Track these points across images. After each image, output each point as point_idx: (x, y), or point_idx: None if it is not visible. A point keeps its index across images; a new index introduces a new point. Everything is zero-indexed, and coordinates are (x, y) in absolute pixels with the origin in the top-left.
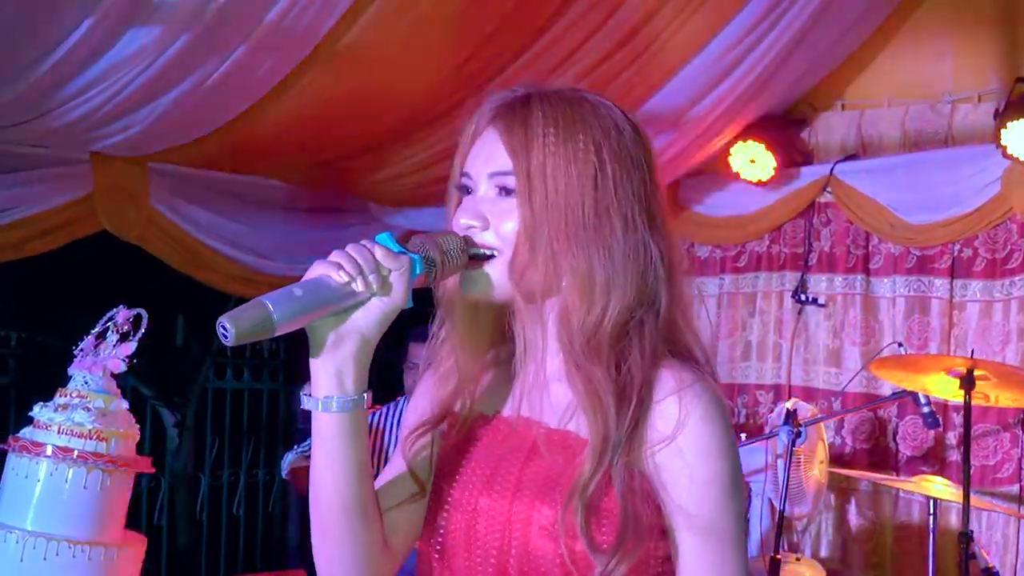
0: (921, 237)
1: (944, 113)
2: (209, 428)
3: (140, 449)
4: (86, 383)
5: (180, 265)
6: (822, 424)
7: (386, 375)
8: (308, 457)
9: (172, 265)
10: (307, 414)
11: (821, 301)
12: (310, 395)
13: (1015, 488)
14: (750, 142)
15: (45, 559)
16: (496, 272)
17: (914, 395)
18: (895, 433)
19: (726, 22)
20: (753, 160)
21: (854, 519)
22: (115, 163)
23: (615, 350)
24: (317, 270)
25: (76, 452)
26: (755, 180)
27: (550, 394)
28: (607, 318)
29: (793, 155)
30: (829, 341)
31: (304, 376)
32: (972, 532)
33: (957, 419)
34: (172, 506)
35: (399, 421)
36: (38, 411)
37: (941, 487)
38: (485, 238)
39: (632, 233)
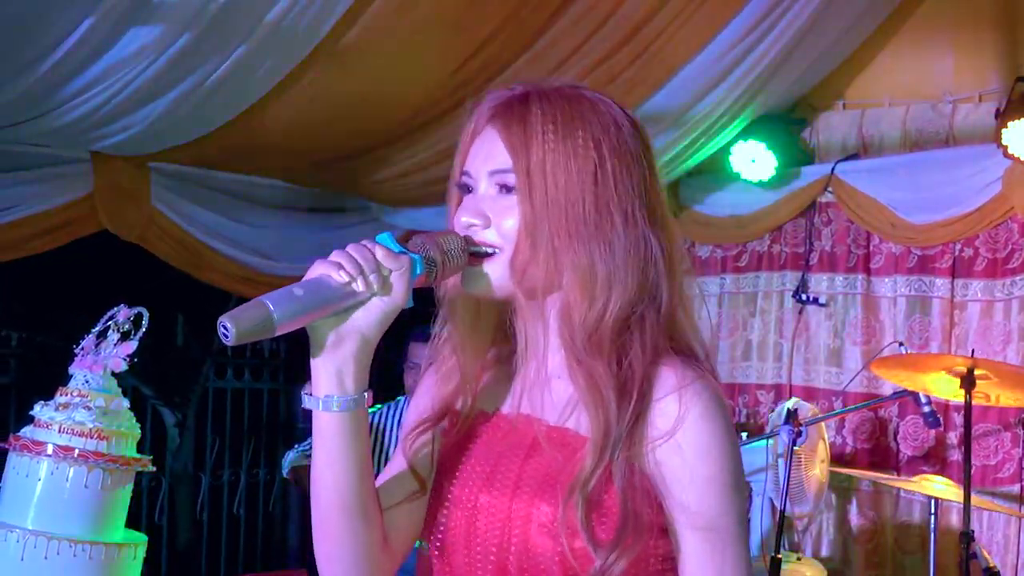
0: (922, 237)
1: (945, 113)
2: (209, 428)
3: (140, 448)
4: (87, 382)
5: (181, 265)
6: (823, 424)
7: (386, 375)
8: (309, 456)
9: (173, 265)
10: (308, 413)
11: (822, 301)
12: (311, 394)
13: (1016, 488)
14: (751, 141)
15: (46, 558)
16: (497, 269)
17: (915, 395)
18: (896, 433)
19: (727, 21)
20: (754, 160)
21: (855, 519)
22: (116, 163)
23: (616, 345)
24: (317, 270)
25: (77, 451)
26: (756, 180)
27: (551, 391)
28: (608, 313)
29: (794, 155)
30: (830, 341)
31: (304, 376)
32: (973, 532)
33: (958, 419)
34: (172, 506)
35: (400, 420)
36: (39, 410)
37: (942, 487)
38: (486, 236)
39: (632, 228)
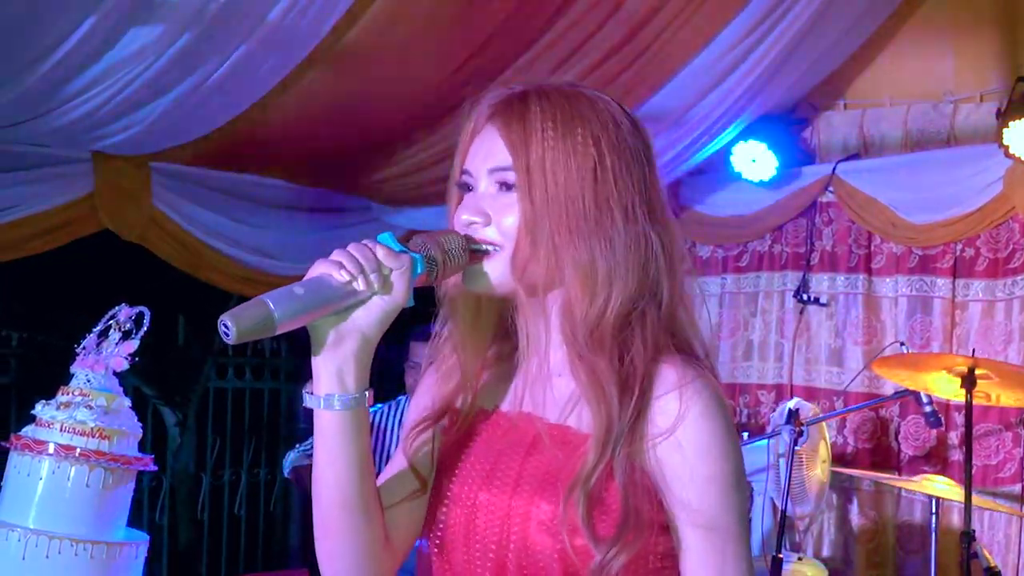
0: (923, 237)
1: (946, 113)
2: (210, 428)
3: (142, 448)
4: (88, 381)
5: (182, 265)
6: (824, 423)
7: (387, 374)
8: (310, 456)
9: (174, 265)
10: (309, 413)
11: (823, 301)
12: (312, 393)
13: (1017, 488)
14: (752, 141)
15: (47, 557)
16: (498, 267)
17: (916, 394)
18: (897, 433)
19: (727, 21)
20: (755, 159)
21: (856, 519)
22: (116, 162)
23: (617, 341)
24: (318, 269)
25: (78, 450)
26: (757, 179)
27: (552, 388)
28: (609, 309)
29: (795, 154)
30: (831, 341)
31: (305, 376)
32: (974, 531)
33: (959, 419)
34: (173, 506)
35: (400, 420)
36: (40, 409)
37: (943, 486)
38: (487, 234)
39: (632, 225)
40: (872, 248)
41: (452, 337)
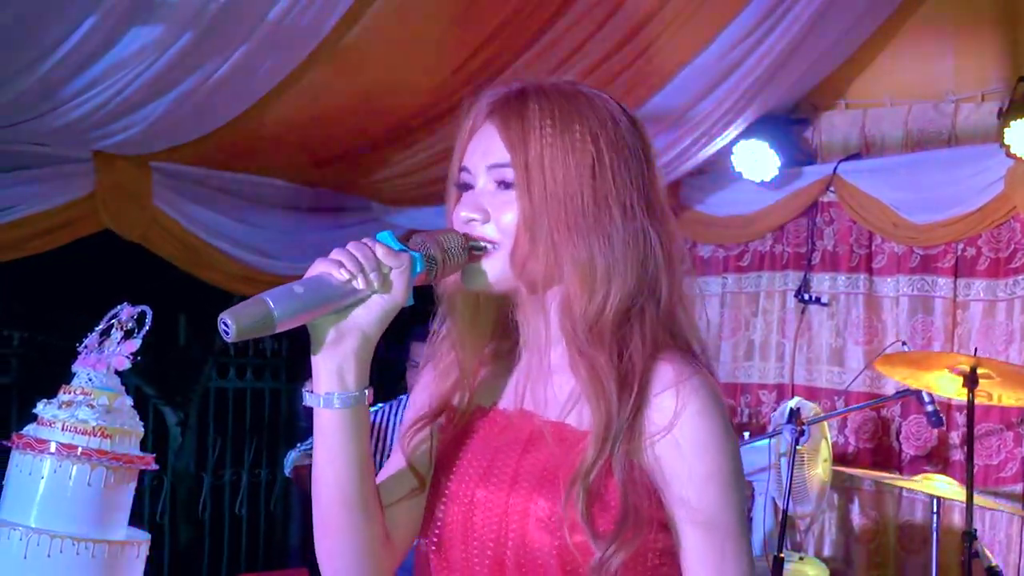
0: (924, 236)
1: (947, 112)
2: (211, 427)
3: (143, 447)
4: (90, 380)
5: (183, 264)
6: (825, 423)
7: (388, 374)
8: (311, 455)
9: (174, 264)
10: (310, 413)
11: (824, 300)
12: (311, 392)
13: (1018, 487)
14: (753, 141)
15: (49, 556)
16: (497, 264)
17: (918, 394)
18: (898, 432)
19: (728, 21)
20: (756, 159)
21: (857, 518)
22: (117, 162)
23: (616, 338)
24: (318, 268)
25: (80, 449)
26: (758, 179)
27: (552, 385)
28: (608, 305)
29: (796, 154)
30: (832, 340)
31: (307, 375)
32: (976, 531)
33: (960, 418)
34: (174, 505)
35: (401, 419)
36: (42, 408)
37: (945, 486)
38: (485, 231)
39: (631, 221)
40: (873, 248)
41: (450, 335)
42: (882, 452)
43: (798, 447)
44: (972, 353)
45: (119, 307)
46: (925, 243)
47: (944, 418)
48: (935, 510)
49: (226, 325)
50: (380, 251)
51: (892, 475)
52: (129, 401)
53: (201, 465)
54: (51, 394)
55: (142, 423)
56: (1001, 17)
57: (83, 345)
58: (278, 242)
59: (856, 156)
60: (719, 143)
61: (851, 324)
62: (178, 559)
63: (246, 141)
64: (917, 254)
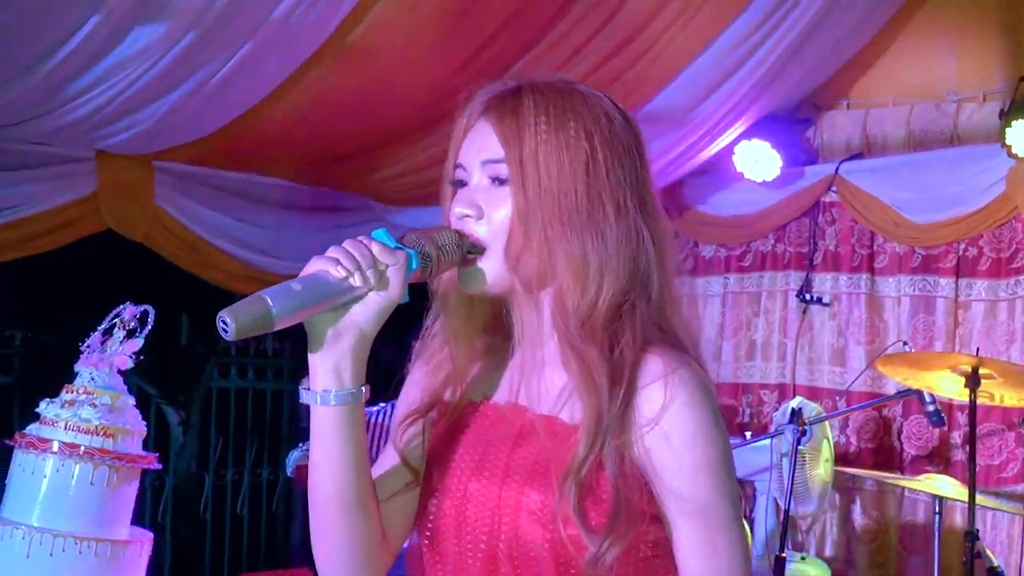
0: (926, 236)
1: (949, 112)
2: (213, 427)
3: (145, 447)
4: (93, 379)
5: (185, 264)
6: (827, 423)
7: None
8: None
9: (177, 264)
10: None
11: (826, 300)
12: (308, 389)
13: (1020, 488)
14: (755, 141)
15: (51, 555)
16: (493, 265)
17: (919, 393)
18: (900, 432)
19: (731, 21)
20: (758, 159)
21: (859, 518)
22: (120, 161)
23: (608, 333)
24: (315, 265)
25: (83, 448)
26: (760, 179)
27: (544, 380)
28: (601, 300)
29: (798, 154)
30: (834, 340)
31: (307, 375)
32: (977, 531)
33: (962, 419)
34: (176, 505)
35: None
36: (45, 407)
37: (947, 486)
38: (478, 229)
39: (624, 218)
40: (875, 248)
41: (444, 331)
42: (884, 452)
43: (800, 447)
44: (974, 353)
45: (122, 306)
46: (927, 243)
47: (946, 418)
48: (937, 510)
49: (225, 323)
50: (376, 248)
51: (894, 475)
52: (132, 400)
53: (203, 465)
54: (53, 394)
55: (144, 422)
56: (1003, 18)
57: (86, 344)
58: (280, 241)
59: (858, 156)
60: (721, 143)
61: (853, 324)
62: (179, 559)
63: (249, 141)
64: (919, 254)
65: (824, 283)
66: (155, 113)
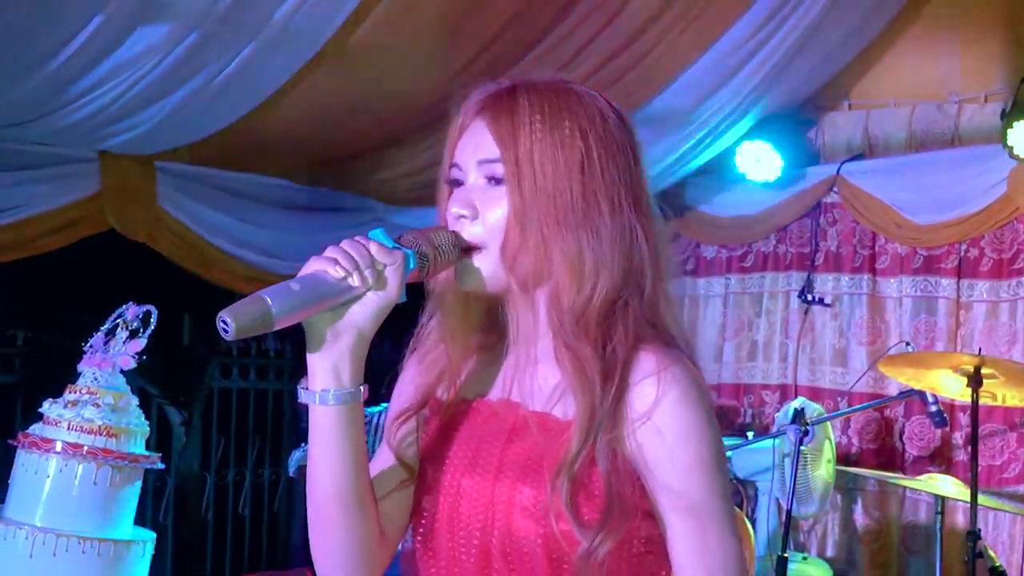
0: (927, 237)
1: (950, 113)
2: (215, 427)
3: (147, 447)
4: (96, 379)
5: (187, 264)
6: (829, 423)
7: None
8: None
9: (179, 264)
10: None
11: (827, 301)
12: (307, 389)
13: (1021, 488)
14: (757, 142)
15: (54, 555)
16: (490, 263)
17: (922, 394)
18: (902, 433)
19: (733, 22)
20: (760, 160)
21: (861, 519)
22: (123, 162)
23: (602, 329)
24: (314, 265)
25: (86, 448)
26: (762, 180)
27: (538, 377)
28: (595, 297)
29: (800, 155)
30: (835, 341)
31: (305, 374)
32: (979, 531)
33: (963, 419)
34: (178, 505)
35: None
36: (48, 407)
37: (948, 486)
38: (474, 230)
39: (618, 216)
40: (876, 248)
41: (439, 329)
42: (885, 452)
43: (802, 448)
44: (976, 353)
45: (125, 307)
46: (928, 244)
47: (948, 418)
48: (939, 510)
49: (225, 323)
50: (374, 249)
51: (895, 475)
52: (135, 400)
53: (204, 465)
54: (55, 394)
55: (147, 422)
56: (1004, 18)
57: (89, 344)
58: (283, 242)
59: (860, 157)
60: (723, 144)
61: (854, 325)
62: (181, 559)
63: (251, 141)
64: (920, 255)
65: (826, 284)
66: (158, 113)
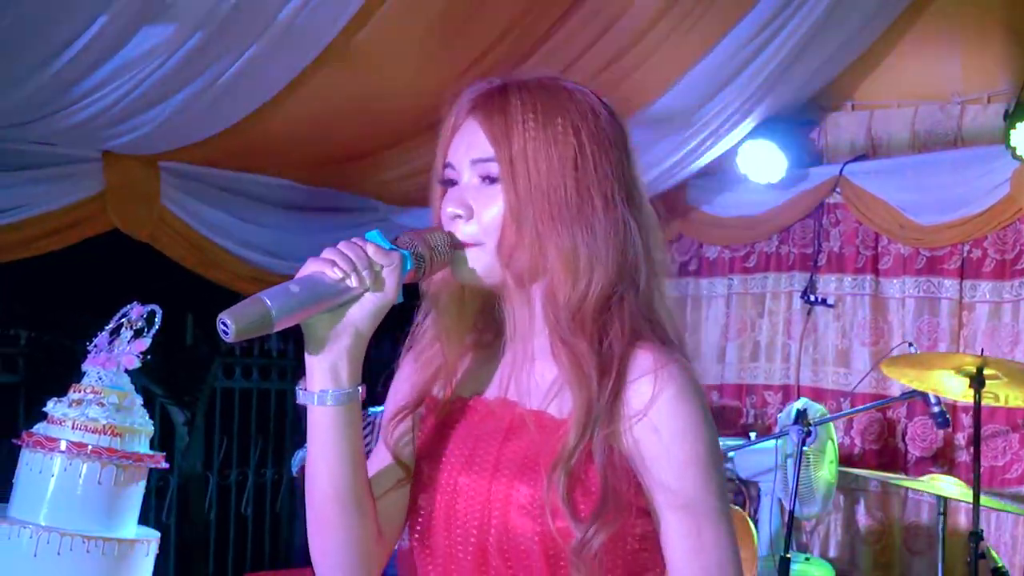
0: (930, 238)
1: (953, 114)
2: (218, 427)
3: (151, 447)
4: (100, 379)
5: (190, 264)
6: (831, 424)
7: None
8: None
9: (182, 264)
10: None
11: (830, 302)
12: (305, 390)
13: None
14: (760, 142)
15: (59, 554)
16: (486, 259)
17: (924, 395)
18: (904, 434)
19: (736, 22)
20: (763, 160)
21: (863, 519)
22: (126, 162)
23: (597, 325)
24: (311, 267)
25: (90, 447)
26: (764, 180)
27: (534, 375)
28: (591, 293)
29: (802, 155)
30: (838, 342)
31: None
32: (982, 532)
33: (966, 419)
34: (180, 505)
35: None
36: (52, 406)
37: (951, 487)
38: (469, 229)
39: (612, 211)
40: (879, 249)
41: (434, 328)
42: (888, 453)
43: (804, 448)
44: (979, 353)
45: (129, 306)
46: (931, 244)
47: (950, 419)
48: (941, 511)
49: (225, 325)
50: (371, 250)
51: (898, 476)
52: (139, 400)
53: (207, 465)
54: (58, 393)
55: (151, 421)
56: (1007, 19)
57: (93, 344)
58: (286, 242)
59: (862, 157)
60: (726, 144)
61: (857, 325)
62: (184, 559)
63: (255, 141)
64: (923, 255)
65: (828, 284)
66: (161, 114)
